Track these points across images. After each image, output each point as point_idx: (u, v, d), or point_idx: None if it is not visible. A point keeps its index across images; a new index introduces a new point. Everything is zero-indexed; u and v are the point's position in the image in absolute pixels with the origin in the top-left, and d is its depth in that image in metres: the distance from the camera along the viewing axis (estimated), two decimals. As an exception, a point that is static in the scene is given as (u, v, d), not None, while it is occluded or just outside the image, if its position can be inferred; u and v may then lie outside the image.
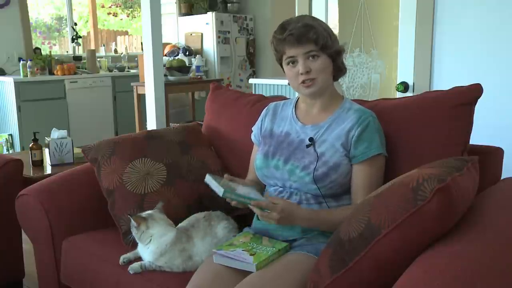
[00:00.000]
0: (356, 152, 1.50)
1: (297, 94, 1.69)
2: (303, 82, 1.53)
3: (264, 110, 1.76)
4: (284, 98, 1.98)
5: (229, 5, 6.46)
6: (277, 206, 1.40)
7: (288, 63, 1.54)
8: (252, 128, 1.78)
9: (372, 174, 1.50)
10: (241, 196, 1.43)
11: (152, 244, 1.58)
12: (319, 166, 1.50)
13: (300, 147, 1.56)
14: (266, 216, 1.41)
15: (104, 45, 6.73)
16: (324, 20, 1.59)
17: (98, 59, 6.14)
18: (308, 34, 1.48)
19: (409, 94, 2.42)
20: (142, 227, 1.59)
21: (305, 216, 1.45)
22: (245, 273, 1.38)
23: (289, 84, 1.63)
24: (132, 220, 1.61)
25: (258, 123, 1.76)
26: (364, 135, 1.50)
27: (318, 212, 1.50)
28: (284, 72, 1.60)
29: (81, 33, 6.46)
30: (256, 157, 1.68)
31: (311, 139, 1.55)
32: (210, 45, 6.14)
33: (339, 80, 1.72)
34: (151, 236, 1.59)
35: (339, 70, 1.60)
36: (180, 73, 5.10)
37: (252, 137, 1.78)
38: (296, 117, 1.65)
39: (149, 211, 1.66)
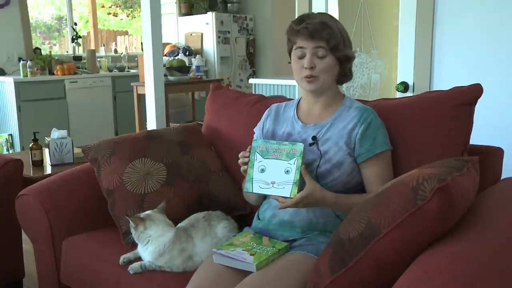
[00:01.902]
0: (361, 150, 1.51)
1: (298, 95, 1.69)
2: (306, 76, 1.54)
3: (266, 111, 1.76)
4: (284, 98, 1.98)
5: (229, 5, 6.46)
6: (296, 198, 1.39)
7: (296, 55, 1.55)
8: (254, 130, 1.78)
9: (382, 168, 1.52)
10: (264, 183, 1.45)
11: (151, 245, 1.58)
12: (322, 163, 1.51)
13: None
14: (288, 204, 1.42)
15: (104, 45, 6.73)
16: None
17: (98, 59, 6.14)
18: (322, 32, 1.49)
19: (409, 94, 2.42)
20: (140, 228, 1.59)
21: (332, 199, 1.45)
22: (245, 273, 1.38)
23: (294, 78, 1.63)
24: (130, 220, 1.61)
25: (260, 124, 1.76)
26: (368, 133, 1.52)
27: (342, 196, 1.48)
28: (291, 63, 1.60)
29: (81, 33, 6.46)
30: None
31: (314, 138, 1.55)
32: (210, 45, 6.14)
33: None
34: (149, 236, 1.59)
35: (344, 76, 1.60)
36: (180, 73, 5.10)
37: (255, 138, 1.78)
38: (298, 117, 1.65)
39: (148, 212, 1.66)
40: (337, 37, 1.51)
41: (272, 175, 1.43)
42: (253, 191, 1.46)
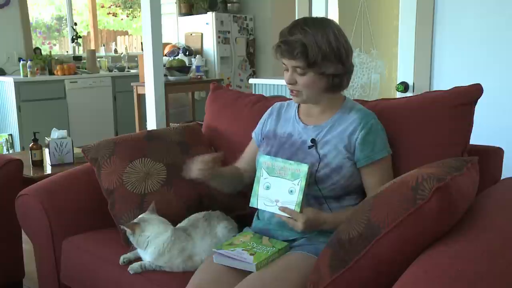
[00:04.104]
0: (361, 156, 1.50)
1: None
2: (290, 89, 1.55)
3: (269, 109, 1.76)
4: (284, 98, 1.98)
5: (229, 5, 6.46)
6: (302, 216, 1.40)
7: (283, 68, 1.55)
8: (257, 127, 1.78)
9: (382, 174, 1.51)
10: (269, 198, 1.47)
11: (150, 246, 1.58)
12: (321, 167, 1.50)
13: (302, 148, 1.56)
14: (291, 223, 1.41)
15: (104, 45, 6.73)
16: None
17: (98, 59, 6.14)
18: (293, 52, 1.45)
19: (409, 94, 2.42)
20: (138, 232, 1.59)
21: (331, 221, 1.44)
22: (245, 273, 1.38)
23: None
24: (126, 229, 1.60)
25: (261, 121, 1.76)
26: (368, 138, 1.50)
27: (340, 214, 1.47)
28: None
29: (81, 33, 6.46)
30: (258, 157, 1.67)
31: (313, 141, 1.55)
32: (210, 45, 6.14)
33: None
34: (147, 238, 1.59)
35: (334, 87, 1.54)
36: (180, 73, 5.10)
37: (253, 133, 1.78)
38: (299, 117, 1.65)
39: (141, 215, 1.66)
40: (314, 54, 1.44)
41: (276, 194, 1.45)
42: (258, 207, 1.49)
